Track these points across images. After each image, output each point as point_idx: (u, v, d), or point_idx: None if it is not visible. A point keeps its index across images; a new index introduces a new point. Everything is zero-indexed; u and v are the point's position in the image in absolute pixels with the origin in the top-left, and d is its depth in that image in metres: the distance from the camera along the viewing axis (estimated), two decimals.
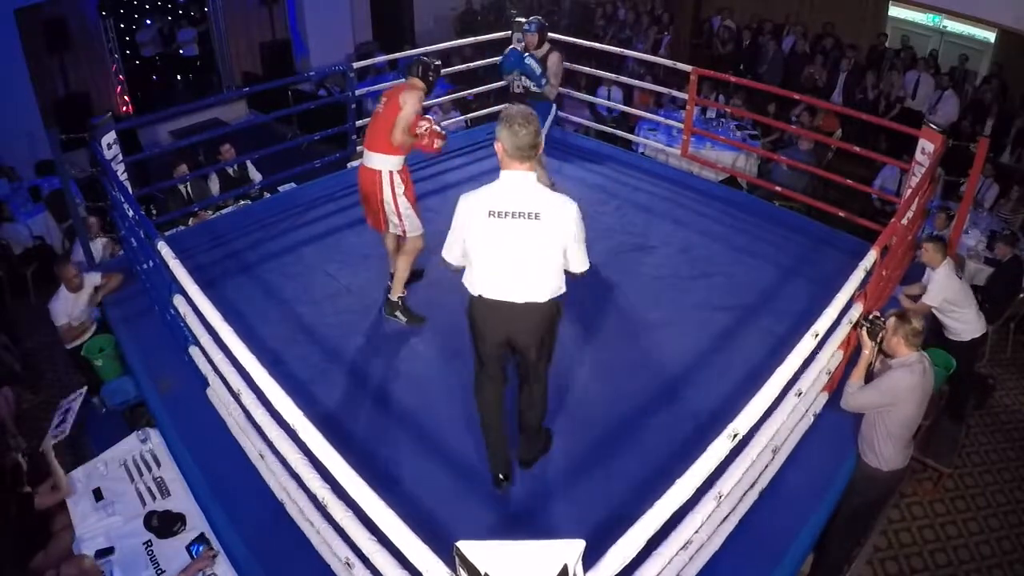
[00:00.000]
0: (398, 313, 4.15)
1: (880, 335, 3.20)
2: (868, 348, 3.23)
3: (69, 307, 4.53)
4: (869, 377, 3.27)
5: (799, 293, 4.43)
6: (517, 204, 2.54)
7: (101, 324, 4.66)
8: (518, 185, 2.56)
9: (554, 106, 5.13)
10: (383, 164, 3.82)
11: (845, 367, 3.51)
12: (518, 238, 2.55)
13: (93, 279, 4.60)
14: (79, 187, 6.47)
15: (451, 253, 2.75)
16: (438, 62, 4.03)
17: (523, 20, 5.21)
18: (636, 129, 7.67)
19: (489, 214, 2.56)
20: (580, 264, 2.71)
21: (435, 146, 3.88)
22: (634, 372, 3.83)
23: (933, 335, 4.39)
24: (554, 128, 6.77)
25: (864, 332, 3.22)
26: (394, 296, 4.13)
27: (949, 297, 4.23)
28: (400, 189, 3.85)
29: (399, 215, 3.91)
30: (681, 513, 1.97)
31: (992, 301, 5.47)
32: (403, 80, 3.99)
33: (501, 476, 3.06)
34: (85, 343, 4.48)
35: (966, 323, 4.35)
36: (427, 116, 3.95)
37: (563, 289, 2.70)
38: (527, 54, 4.91)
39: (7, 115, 7.59)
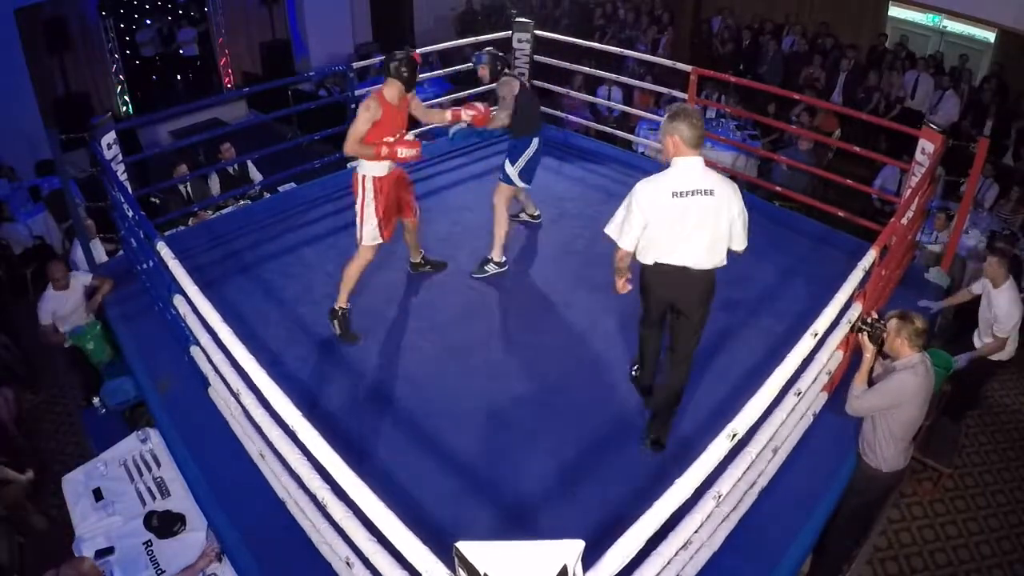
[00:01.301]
0: (335, 323, 4.05)
1: (881, 338, 3.17)
2: (869, 351, 3.20)
3: (54, 306, 4.53)
4: (870, 381, 3.24)
5: (799, 293, 4.43)
6: (695, 183, 2.89)
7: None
8: (693, 168, 2.91)
9: (535, 140, 4.49)
10: (361, 168, 3.83)
11: (846, 371, 3.52)
12: (697, 213, 2.90)
13: (83, 279, 4.60)
14: (79, 187, 6.47)
15: (628, 239, 3.02)
16: (412, 52, 3.81)
17: (477, 52, 4.68)
18: (636, 129, 7.67)
19: (672, 195, 2.88)
20: (741, 241, 3.06)
21: (402, 155, 3.79)
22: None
23: (946, 338, 4.39)
24: (554, 128, 6.80)
25: (865, 336, 3.19)
26: (337, 304, 4.05)
27: (1016, 315, 4.21)
28: (370, 195, 3.82)
29: (361, 220, 3.87)
30: (681, 513, 1.97)
31: None
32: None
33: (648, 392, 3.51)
34: (74, 336, 4.49)
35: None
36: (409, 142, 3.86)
37: (724, 262, 3.04)
38: (455, 128, 4.77)
39: (7, 115, 7.59)
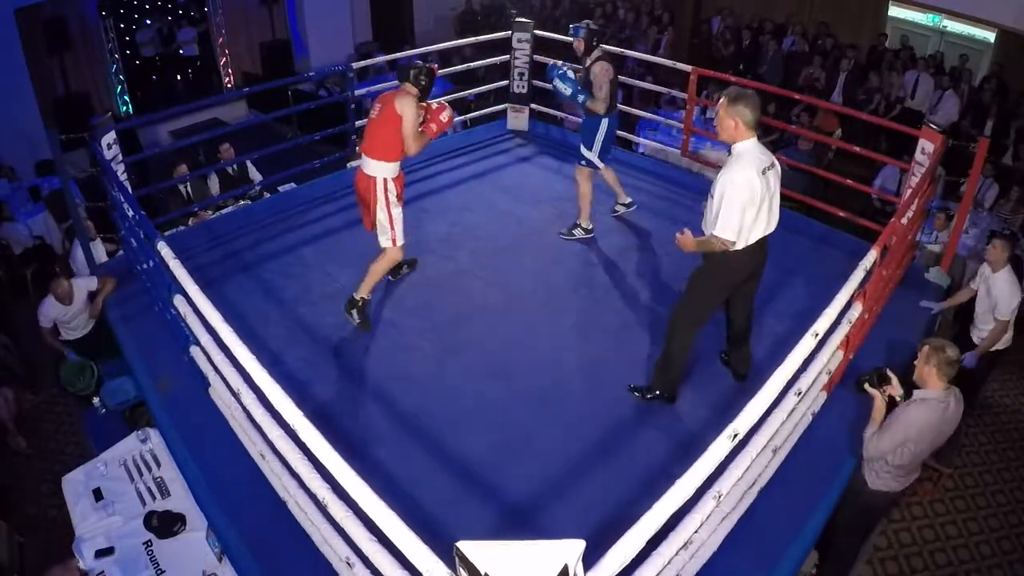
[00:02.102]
0: (354, 312, 4.09)
1: (885, 382, 3.09)
2: (879, 399, 3.12)
3: (56, 313, 4.60)
4: (891, 406, 3.13)
5: (799, 293, 4.43)
6: (766, 158, 3.14)
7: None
8: (758, 146, 3.14)
9: (605, 121, 4.64)
10: (378, 171, 3.84)
11: (845, 371, 3.51)
12: (772, 184, 3.16)
13: (88, 283, 4.61)
14: (79, 187, 6.48)
15: (736, 230, 3.11)
16: (432, 65, 3.96)
17: (572, 25, 4.70)
18: (636, 129, 7.67)
19: (760, 172, 3.08)
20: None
21: (444, 120, 3.97)
22: (634, 371, 3.83)
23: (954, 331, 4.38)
24: (554, 128, 6.80)
25: (867, 387, 3.12)
26: (358, 295, 4.08)
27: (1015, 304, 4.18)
28: (393, 196, 3.89)
29: (391, 223, 3.93)
30: (681, 513, 1.97)
31: None
32: (398, 86, 3.93)
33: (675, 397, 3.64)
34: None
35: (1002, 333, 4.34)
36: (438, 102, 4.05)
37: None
38: (561, 71, 4.64)
39: (7, 115, 7.59)
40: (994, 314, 4.25)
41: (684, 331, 3.43)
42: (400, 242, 4.01)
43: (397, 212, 3.93)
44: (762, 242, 3.25)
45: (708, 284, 3.35)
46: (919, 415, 2.96)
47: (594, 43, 4.59)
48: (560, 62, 4.90)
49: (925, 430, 2.97)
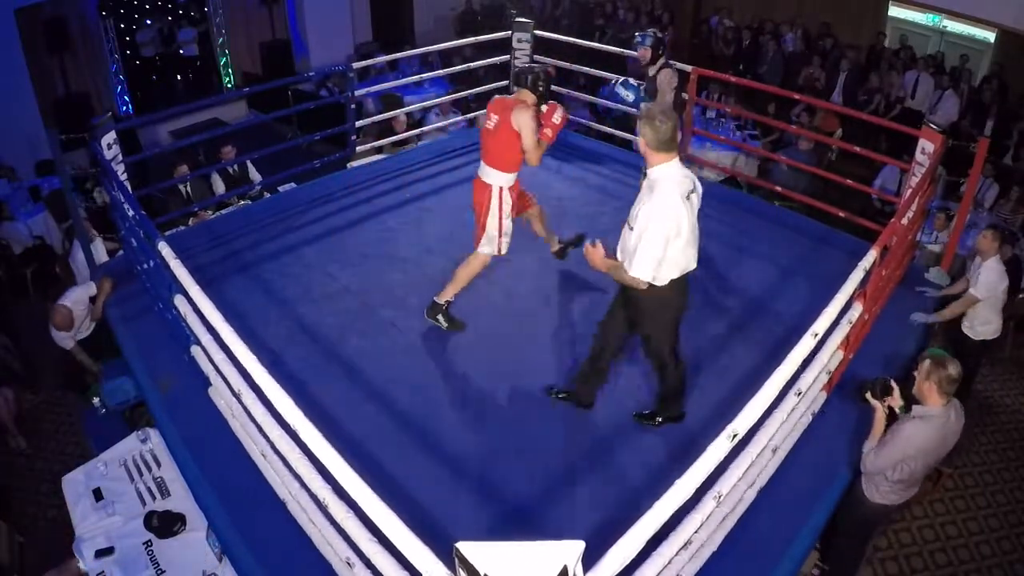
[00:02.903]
0: (440, 317, 4.08)
1: (886, 394, 3.08)
2: (880, 411, 3.10)
3: (69, 335, 4.63)
4: (892, 419, 3.12)
5: (799, 293, 4.43)
6: (689, 182, 2.91)
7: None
8: (680, 168, 2.91)
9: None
10: (495, 180, 3.78)
11: (847, 367, 3.51)
12: (693, 211, 2.93)
13: (87, 290, 4.62)
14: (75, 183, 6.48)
15: (654, 268, 2.88)
16: (549, 69, 3.82)
17: (638, 33, 4.63)
18: (636, 129, 7.66)
19: (684, 198, 2.86)
20: None
21: (558, 122, 3.80)
22: (634, 371, 3.83)
23: (946, 325, 4.38)
24: None
25: (868, 396, 3.11)
26: (442, 300, 4.06)
27: (994, 292, 4.18)
28: (508, 208, 3.83)
29: (500, 233, 3.86)
30: (681, 513, 1.97)
31: None
32: (508, 94, 3.80)
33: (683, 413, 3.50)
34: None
35: (988, 323, 4.34)
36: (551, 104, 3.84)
37: None
38: (623, 79, 4.53)
39: (7, 115, 7.59)
40: (969, 289, 4.21)
41: (667, 362, 3.28)
42: (504, 252, 3.94)
43: (508, 224, 3.86)
44: (685, 276, 3.03)
45: (659, 318, 3.12)
46: (919, 433, 2.92)
47: (660, 52, 4.52)
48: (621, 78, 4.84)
49: (924, 447, 2.95)
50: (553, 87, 6.58)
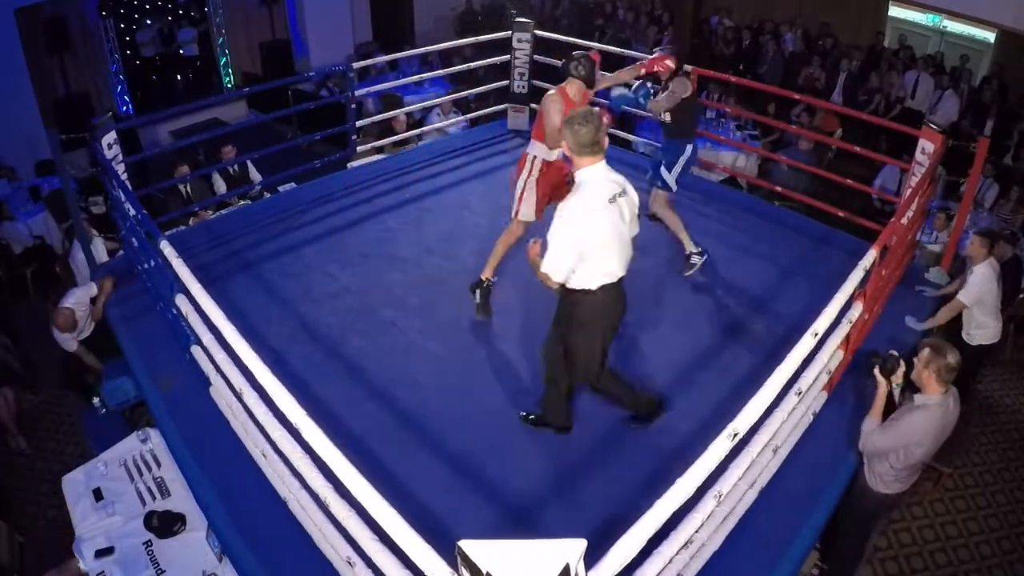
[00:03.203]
0: (477, 292, 4.20)
1: (893, 373, 3.10)
2: (883, 387, 3.13)
3: (72, 336, 4.61)
4: (891, 407, 3.15)
5: (799, 293, 4.43)
6: (615, 186, 2.87)
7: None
8: (606, 170, 2.87)
9: (689, 146, 4.56)
10: (532, 149, 3.98)
11: (847, 367, 3.52)
12: (625, 214, 2.89)
13: (88, 291, 4.61)
14: (79, 187, 6.48)
15: (563, 269, 2.86)
16: (590, 52, 4.00)
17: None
18: (636, 129, 7.67)
19: (607, 202, 2.82)
20: (635, 227, 3.05)
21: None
22: (634, 371, 3.83)
23: (945, 329, 4.38)
24: None
25: (876, 370, 3.12)
26: (483, 275, 4.21)
27: (983, 299, 4.18)
28: (536, 172, 3.96)
29: (522, 195, 4.00)
30: (681, 513, 1.97)
31: None
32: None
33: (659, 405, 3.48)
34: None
35: (983, 328, 4.33)
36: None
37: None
38: (636, 87, 4.39)
39: (7, 115, 7.59)
40: (958, 295, 4.21)
41: (597, 384, 3.26)
42: (523, 217, 4.04)
43: (531, 189, 3.98)
44: (622, 283, 3.01)
45: (581, 329, 3.06)
46: (920, 421, 2.97)
47: (680, 71, 4.48)
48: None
49: (926, 435, 2.99)
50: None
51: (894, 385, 3.15)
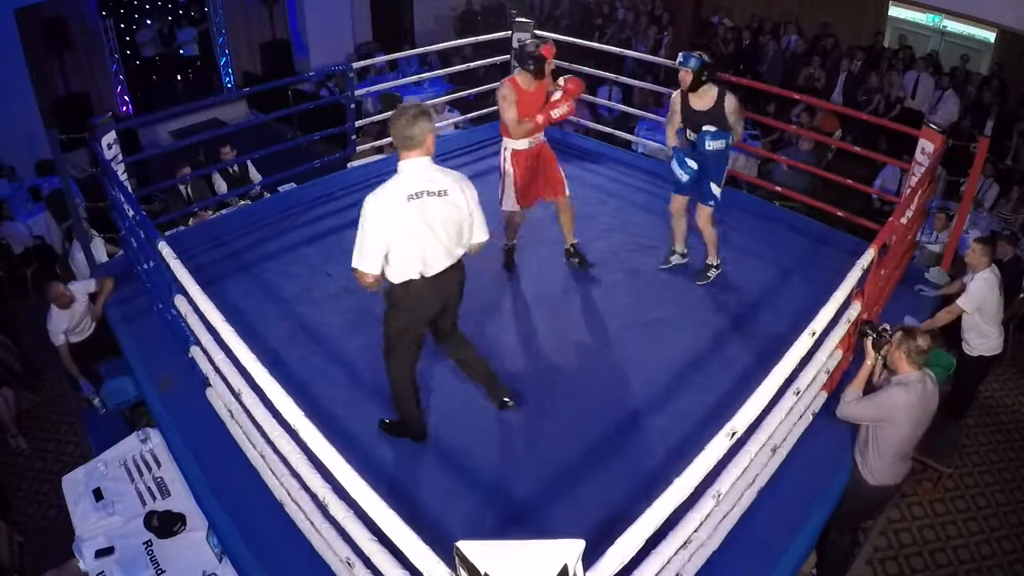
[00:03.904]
0: (504, 252, 4.60)
1: (884, 348, 3.17)
2: (871, 359, 3.20)
3: (64, 323, 4.54)
4: (871, 388, 3.23)
5: (799, 293, 4.43)
6: (427, 184, 2.83)
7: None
8: (426, 167, 2.85)
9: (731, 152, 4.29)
10: (504, 143, 4.24)
11: (846, 370, 3.52)
12: (434, 212, 2.84)
13: (86, 286, 4.60)
14: (79, 187, 6.48)
15: (365, 260, 2.83)
16: (531, 46, 4.06)
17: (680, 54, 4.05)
18: (636, 129, 7.67)
19: (410, 197, 2.80)
20: (482, 233, 3.07)
21: (556, 116, 4.12)
22: (633, 370, 3.84)
23: (946, 338, 4.38)
24: (554, 128, 6.78)
25: (869, 342, 3.19)
26: (505, 244, 4.60)
27: (984, 306, 4.19)
28: (508, 166, 4.24)
29: (502, 185, 4.30)
30: (680, 512, 1.97)
31: None
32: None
33: (422, 440, 3.38)
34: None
35: (985, 338, 4.34)
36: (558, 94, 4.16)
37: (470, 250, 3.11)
38: (677, 160, 4.11)
39: (7, 115, 7.60)
40: (956, 301, 4.23)
41: (393, 371, 3.21)
42: (505, 208, 4.35)
43: (508, 180, 4.25)
44: (444, 278, 2.98)
45: (390, 323, 3.08)
46: (900, 397, 3.05)
47: (703, 78, 3.96)
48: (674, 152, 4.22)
49: (905, 413, 3.06)
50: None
51: (869, 361, 3.23)
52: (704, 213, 4.35)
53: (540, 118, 4.08)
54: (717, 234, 4.52)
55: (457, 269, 3.05)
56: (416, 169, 2.82)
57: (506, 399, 3.52)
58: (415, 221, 2.80)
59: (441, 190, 2.83)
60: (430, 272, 2.93)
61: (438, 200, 2.83)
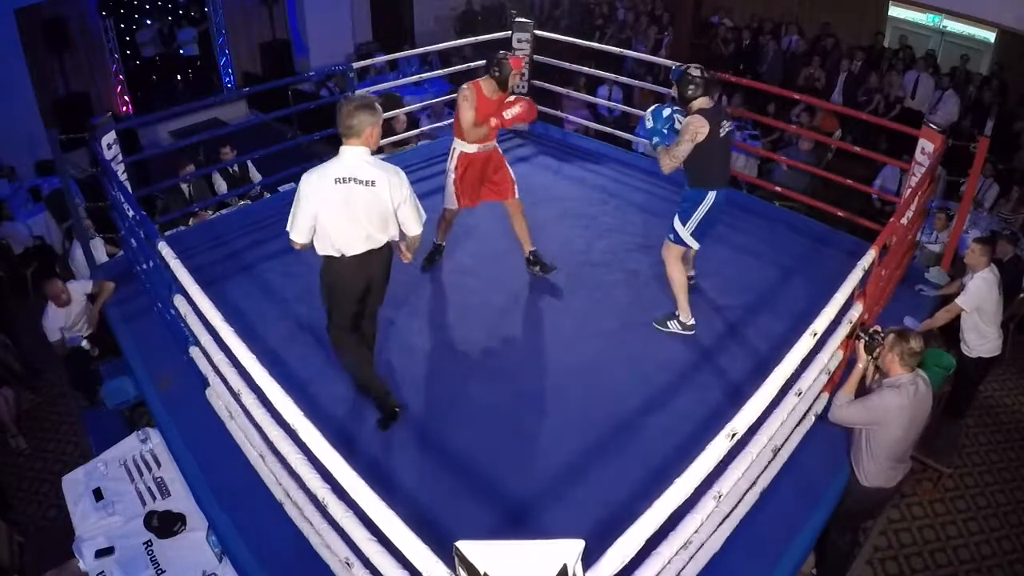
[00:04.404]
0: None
1: (877, 350, 3.15)
2: (862, 361, 3.18)
3: (60, 322, 4.54)
4: (863, 391, 3.21)
5: (799, 293, 4.43)
6: (353, 171, 2.98)
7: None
8: (357, 155, 3.00)
9: (712, 194, 3.77)
10: (455, 144, 4.25)
11: (844, 371, 3.52)
12: (356, 199, 2.98)
13: (83, 287, 4.60)
14: (79, 187, 6.49)
15: (295, 229, 3.08)
16: (502, 55, 4.10)
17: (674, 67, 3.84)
18: (636, 129, 7.66)
19: (337, 181, 2.96)
20: (416, 226, 3.17)
21: (508, 117, 4.10)
22: (633, 371, 3.83)
23: (946, 338, 4.38)
24: (554, 128, 6.79)
25: (861, 345, 3.17)
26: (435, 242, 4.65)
27: (983, 306, 4.19)
28: (452, 165, 4.27)
29: (445, 184, 4.34)
30: (680, 513, 1.96)
31: None
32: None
33: (397, 409, 3.47)
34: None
35: (984, 339, 4.33)
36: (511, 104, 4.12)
37: (396, 237, 3.21)
38: (665, 106, 3.83)
39: (7, 115, 7.60)
40: (956, 300, 4.23)
41: (333, 340, 3.40)
42: (445, 204, 4.40)
43: (450, 179, 4.30)
44: (366, 259, 3.13)
45: (325, 291, 3.32)
46: (892, 400, 3.04)
47: (689, 93, 3.65)
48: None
49: (898, 415, 3.05)
50: (552, 87, 6.71)
51: (861, 364, 3.21)
52: (664, 249, 4.01)
53: (494, 121, 4.07)
54: (686, 285, 4.04)
55: (380, 253, 3.18)
56: (350, 157, 2.99)
57: (382, 418, 3.46)
58: (338, 203, 2.97)
59: (369, 180, 2.97)
60: (349, 252, 3.10)
61: (364, 188, 2.97)
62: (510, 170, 4.40)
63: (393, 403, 3.47)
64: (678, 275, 3.99)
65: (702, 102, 3.66)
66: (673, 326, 4.09)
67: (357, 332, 3.38)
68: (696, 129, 3.59)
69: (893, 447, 3.11)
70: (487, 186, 4.38)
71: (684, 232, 3.89)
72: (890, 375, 3.11)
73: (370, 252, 3.12)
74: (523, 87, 6.43)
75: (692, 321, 4.06)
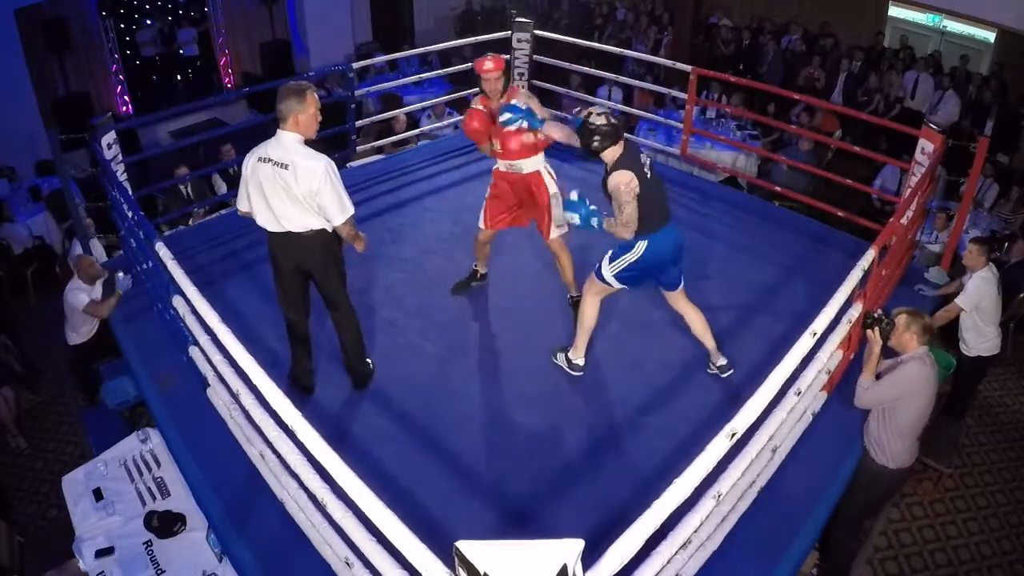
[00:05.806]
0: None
1: (890, 335, 3.21)
2: (878, 347, 3.23)
3: (85, 297, 4.49)
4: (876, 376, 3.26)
5: (799, 293, 4.43)
6: (271, 153, 3.09)
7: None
8: (286, 139, 3.09)
9: (643, 242, 3.38)
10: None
11: (846, 370, 3.52)
12: (270, 178, 3.09)
13: (91, 293, 4.57)
14: (79, 187, 6.48)
15: (240, 200, 3.28)
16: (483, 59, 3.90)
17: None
18: (636, 129, 7.67)
19: (260, 160, 3.10)
20: (336, 217, 3.17)
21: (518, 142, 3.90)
22: (633, 371, 3.83)
23: (947, 338, 4.38)
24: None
25: (876, 332, 3.22)
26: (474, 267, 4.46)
27: (982, 305, 4.20)
28: (491, 185, 4.13)
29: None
30: (680, 512, 1.97)
31: None
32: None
33: (308, 388, 3.66)
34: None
35: (983, 338, 4.34)
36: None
37: (321, 226, 3.22)
38: (581, 200, 3.43)
39: (7, 115, 7.60)
40: (956, 299, 4.25)
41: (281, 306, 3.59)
42: (480, 223, 4.16)
43: (486, 198, 4.13)
44: (286, 239, 3.24)
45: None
46: (916, 371, 3.11)
47: (595, 145, 3.29)
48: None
49: (923, 385, 3.12)
50: (552, 87, 6.71)
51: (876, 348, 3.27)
52: (588, 281, 3.61)
53: (497, 144, 3.85)
54: (591, 323, 3.67)
55: (307, 238, 3.23)
56: (277, 140, 3.10)
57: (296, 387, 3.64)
58: (255, 180, 3.12)
59: (284, 163, 3.05)
60: (269, 227, 3.24)
61: (277, 170, 3.06)
62: (554, 206, 3.93)
63: (305, 381, 3.65)
64: (590, 312, 3.62)
65: (614, 151, 3.30)
66: (561, 359, 3.79)
67: (301, 318, 3.56)
68: (628, 185, 3.22)
69: (916, 422, 3.17)
70: (524, 212, 4.07)
71: (607, 272, 3.47)
72: (907, 351, 3.19)
73: (288, 234, 3.21)
74: (522, 87, 6.43)
75: (582, 362, 3.73)
